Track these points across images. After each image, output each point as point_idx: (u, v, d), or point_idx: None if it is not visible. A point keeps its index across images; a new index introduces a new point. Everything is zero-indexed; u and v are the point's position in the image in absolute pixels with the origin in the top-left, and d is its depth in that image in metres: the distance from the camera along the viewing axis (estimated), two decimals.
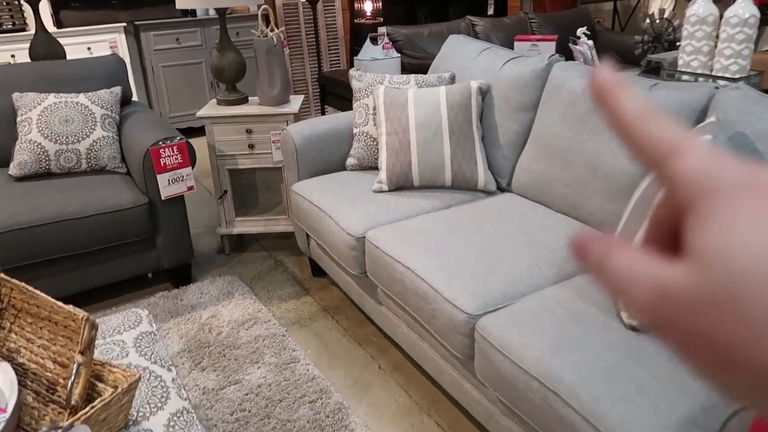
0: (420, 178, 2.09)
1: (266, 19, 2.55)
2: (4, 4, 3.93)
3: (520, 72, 2.09)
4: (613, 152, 1.74)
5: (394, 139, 2.10)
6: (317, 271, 2.53)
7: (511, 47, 4.56)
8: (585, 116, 1.83)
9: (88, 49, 4.15)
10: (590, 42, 2.35)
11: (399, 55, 3.54)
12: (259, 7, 2.55)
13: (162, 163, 2.27)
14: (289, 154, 2.34)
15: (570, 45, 2.49)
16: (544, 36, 2.54)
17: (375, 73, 2.39)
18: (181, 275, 2.51)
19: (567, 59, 2.11)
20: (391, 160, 2.10)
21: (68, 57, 4.18)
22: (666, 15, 2.99)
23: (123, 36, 4.26)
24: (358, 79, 2.38)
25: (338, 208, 2.04)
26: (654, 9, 4.88)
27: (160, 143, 2.27)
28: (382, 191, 2.12)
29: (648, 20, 3.05)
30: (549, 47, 2.56)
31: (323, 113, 3.92)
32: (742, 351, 0.18)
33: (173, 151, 2.28)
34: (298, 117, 2.60)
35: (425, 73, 3.73)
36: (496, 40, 4.46)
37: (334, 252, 2.03)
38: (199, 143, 3.22)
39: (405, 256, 1.69)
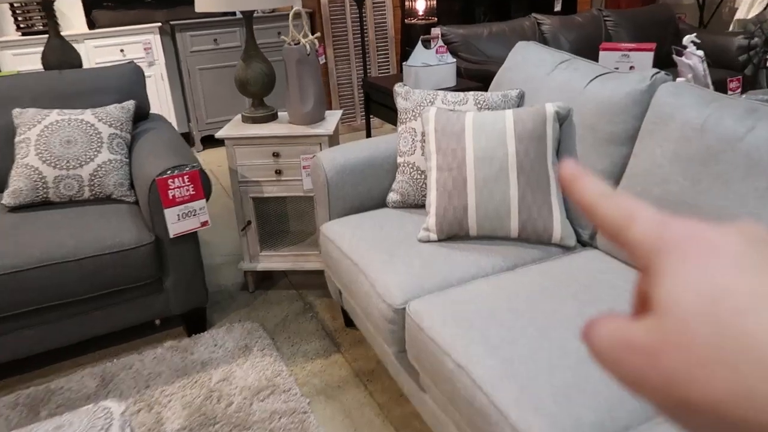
0: (478, 227, 1.66)
1: (298, 18, 2.16)
2: (35, 3, 3.70)
3: (611, 94, 1.63)
4: (749, 209, 1.26)
5: (447, 177, 1.68)
6: (351, 320, 2.13)
7: (585, 52, 4.04)
8: (707, 158, 1.36)
9: (121, 50, 3.89)
10: (700, 53, 1.87)
11: (454, 60, 3.10)
12: (291, 7, 2.17)
13: (170, 195, 1.92)
14: (319, 186, 1.95)
15: (674, 57, 2.00)
16: (638, 45, 2.06)
17: (425, 90, 1.96)
18: (194, 320, 2.17)
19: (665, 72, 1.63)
20: (442, 202, 1.67)
21: (99, 60, 3.95)
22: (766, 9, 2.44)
23: (158, 37, 3.98)
24: (404, 97, 1.96)
25: (374, 262, 1.63)
26: (744, 5, 4.25)
27: (168, 172, 1.92)
28: (429, 241, 1.70)
29: (749, 19, 2.51)
30: (645, 59, 2.07)
31: (368, 125, 3.52)
32: (700, 392, 0.19)
33: (184, 182, 1.93)
34: (334, 139, 2.21)
35: (485, 80, 3.28)
36: (566, 42, 3.95)
37: (368, 318, 1.63)
38: None
39: (457, 348, 1.26)
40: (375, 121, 4.20)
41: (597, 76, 1.72)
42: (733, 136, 1.32)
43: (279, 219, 2.38)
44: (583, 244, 1.71)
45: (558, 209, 1.64)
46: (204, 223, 2.00)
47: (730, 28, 5.25)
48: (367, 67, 4.39)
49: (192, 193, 1.95)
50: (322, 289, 2.44)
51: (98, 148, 2.10)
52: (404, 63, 3.04)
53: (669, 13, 4.31)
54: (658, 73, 1.60)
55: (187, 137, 4.44)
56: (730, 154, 1.31)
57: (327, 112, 2.33)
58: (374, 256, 1.65)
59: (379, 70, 4.46)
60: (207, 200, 1.99)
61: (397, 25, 4.43)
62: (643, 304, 0.24)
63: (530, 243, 1.68)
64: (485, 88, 3.12)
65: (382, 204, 2.00)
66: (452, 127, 1.71)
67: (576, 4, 5.03)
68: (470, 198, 1.64)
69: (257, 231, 2.33)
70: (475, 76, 3.32)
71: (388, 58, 4.49)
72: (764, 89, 1.89)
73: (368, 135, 3.55)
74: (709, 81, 1.93)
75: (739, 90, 2.30)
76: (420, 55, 3.02)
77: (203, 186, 1.97)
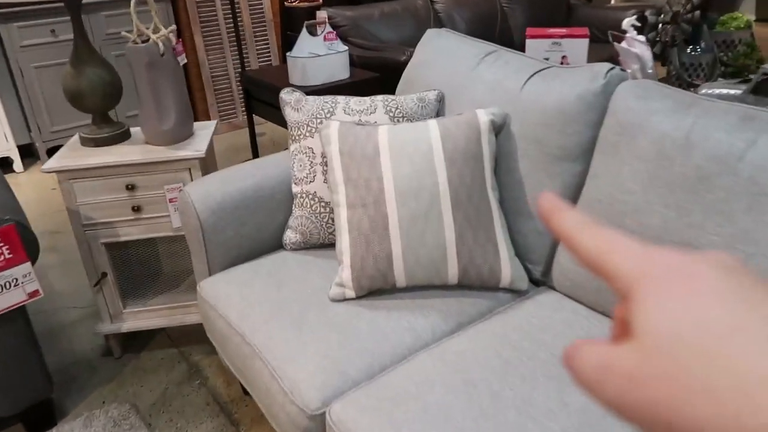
0: (407, 278, 1.28)
1: (143, 4, 1.64)
2: None
3: (559, 97, 1.29)
4: (762, 248, 0.98)
5: (362, 216, 1.28)
6: None
7: (483, 32, 3.76)
8: (696, 183, 1.06)
9: None
10: (642, 38, 1.59)
11: (346, 48, 2.68)
12: None
13: None
14: (191, 231, 1.47)
15: (615, 45, 1.72)
16: (569, 30, 1.75)
17: (320, 98, 1.53)
18: (36, 417, 1.63)
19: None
20: (359, 250, 1.27)
21: None
22: None
23: None
24: (294, 107, 1.52)
25: (276, 341, 1.20)
26: None
27: None
28: (345, 299, 1.30)
29: None
30: (579, 47, 1.77)
31: (251, 126, 3.02)
32: (683, 417, 0.19)
33: None
34: (208, 161, 1.72)
35: (382, 69, 2.90)
36: (461, 22, 3.65)
37: (273, 420, 1.21)
38: None
39: None
40: (259, 122, 3.70)
41: (535, 73, 1.38)
42: (729, 154, 1.03)
43: (146, 264, 1.87)
44: (535, 283, 1.38)
45: (505, 246, 1.30)
46: (33, 294, 1.46)
47: (611, 2, 5.25)
48: (245, 57, 3.84)
49: (8, 256, 1.40)
50: (210, 344, 1.97)
51: None
52: (288, 54, 2.58)
53: None
54: (612, 68, 1.28)
55: (30, 150, 3.68)
56: (728, 179, 1.02)
57: (196, 125, 1.84)
58: (275, 332, 1.22)
59: (260, 60, 3.93)
60: (34, 263, 1.45)
61: (275, 7, 3.91)
62: (622, 331, 0.24)
63: (473, 290, 1.32)
64: (383, 79, 2.74)
65: (277, 245, 1.56)
66: (363, 149, 1.31)
67: None
68: (395, 243, 1.26)
69: (116, 284, 1.81)
70: (370, 65, 2.93)
71: (268, 45, 3.97)
72: (726, 81, 1.65)
73: (252, 137, 3.06)
74: (656, 73, 1.67)
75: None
76: (306, 43, 2.57)
77: (25, 244, 1.42)
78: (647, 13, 2.13)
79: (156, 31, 1.64)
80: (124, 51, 1.65)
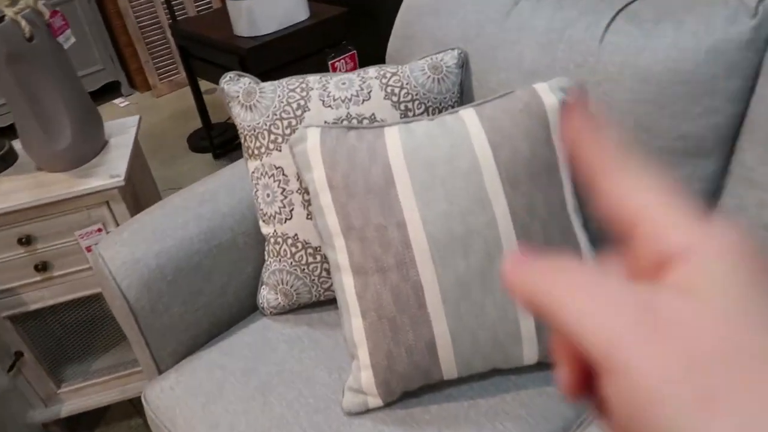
0: (461, 368, 0.83)
1: None
2: None
3: (671, 54, 0.79)
4: None
5: (380, 287, 0.80)
6: None
7: None
8: None
9: None
10: None
11: None
12: None
13: None
14: (119, 316, 0.98)
15: None
16: None
17: (283, 84, 1.00)
18: None
19: None
20: (382, 341, 0.80)
21: None
22: None
23: None
24: (244, 101, 0.99)
25: None
26: None
27: None
28: (368, 410, 0.85)
29: None
30: None
31: (195, 90, 2.43)
32: None
33: None
34: (130, 192, 1.20)
35: (349, 2, 2.30)
36: None
37: None
38: None
39: None
40: (204, 87, 3.06)
41: (621, 10, 0.86)
42: None
43: (75, 331, 1.38)
44: None
45: None
46: None
47: None
48: (173, 2, 3.15)
49: None
50: None
51: None
52: None
53: None
54: None
55: None
56: None
57: (109, 127, 1.30)
58: None
59: (197, 6, 3.24)
60: None
61: None
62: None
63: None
64: (354, 14, 2.16)
65: (251, 307, 1.08)
66: (366, 175, 0.80)
67: None
68: (438, 324, 0.79)
69: (39, 362, 1.33)
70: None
71: None
72: None
73: (199, 102, 2.48)
74: None
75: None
76: None
77: None
78: None
79: (13, 3, 1.06)
80: None
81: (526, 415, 0.82)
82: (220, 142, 2.58)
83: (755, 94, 0.77)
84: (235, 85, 1.00)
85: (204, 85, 2.54)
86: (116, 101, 3.25)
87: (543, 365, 0.87)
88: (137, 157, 1.28)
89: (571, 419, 0.83)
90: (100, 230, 1.17)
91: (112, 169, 1.16)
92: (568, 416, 0.83)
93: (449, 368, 0.82)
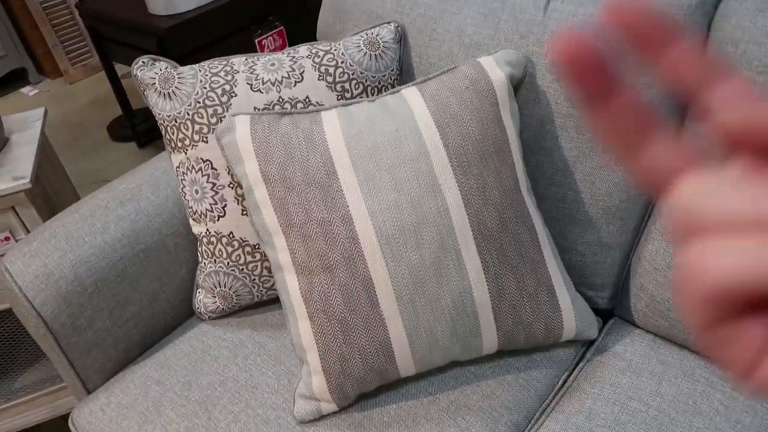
0: (419, 364, 0.78)
1: None
2: None
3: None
4: None
5: (327, 287, 0.73)
6: None
7: None
8: None
9: None
10: None
11: None
12: None
13: None
14: (35, 335, 0.87)
15: None
16: None
17: (204, 68, 0.90)
18: None
19: None
20: (333, 344, 0.74)
21: None
22: None
23: None
24: (161, 88, 0.89)
25: None
26: None
27: None
28: (322, 416, 0.79)
29: None
30: None
31: (110, 74, 2.25)
32: None
33: None
34: (40, 194, 1.08)
35: None
36: None
37: None
38: None
39: None
40: (120, 71, 2.86)
41: None
42: None
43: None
44: (600, 313, 0.91)
45: (563, 285, 0.81)
46: None
47: None
48: None
49: None
50: None
51: None
52: None
53: None
54: None
55: None
56: None
57: (9, 122, 1.16)
58: None
59: None
60: None
61: None
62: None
63: (520, 355, 0.84)
64: None
65: (186, 312, 0.99)
66: (305, 165, 0.73)
67: None
68: (392, 323, 0.73)
69: None
70: None
71: None
72: None
73: (115, 87, 2.30)
74: None
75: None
76: None
77: None
78: None
79: None
80: None
81: (488, 407, 0.78)
82: (143, 129, 2.41)
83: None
84: (150, 71, 0.90)
85: (121, 68, 2.36)
86: (24, 90, 2.99)
87: (502, 353, 0.83)
88: (46, 154, 1.15)
89: (534, 408, 0.80)
90: (8, 239, 1.05)
91: (14, 170, 1.03)
92: (531, 405, 0.80)
93: (406, 366, 0.77)
